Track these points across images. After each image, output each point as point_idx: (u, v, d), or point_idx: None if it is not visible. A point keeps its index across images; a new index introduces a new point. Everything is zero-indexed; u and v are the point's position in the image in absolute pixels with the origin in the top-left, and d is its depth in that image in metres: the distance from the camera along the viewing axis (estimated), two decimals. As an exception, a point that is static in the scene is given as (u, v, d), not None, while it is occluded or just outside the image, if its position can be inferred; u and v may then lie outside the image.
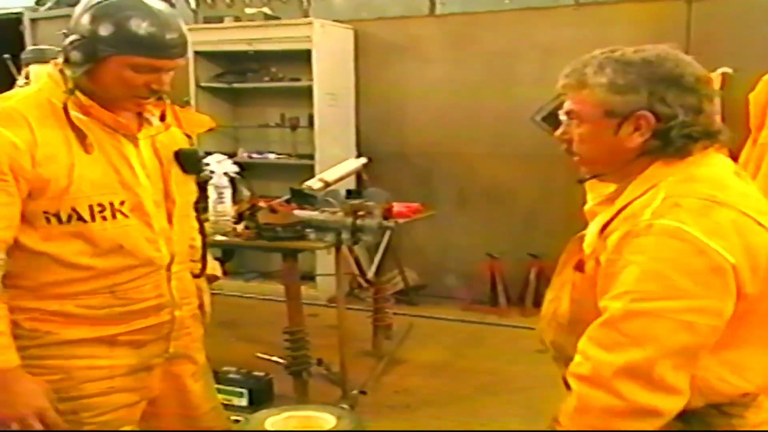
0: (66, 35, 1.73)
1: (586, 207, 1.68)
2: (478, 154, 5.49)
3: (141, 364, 1.85)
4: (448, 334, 4.87)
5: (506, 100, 5.35)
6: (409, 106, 5.68)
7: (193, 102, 5.75)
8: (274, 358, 3.93)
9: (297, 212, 3.68)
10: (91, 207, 1.70)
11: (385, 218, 3.77)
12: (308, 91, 5.47)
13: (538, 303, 5.25)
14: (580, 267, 1.52)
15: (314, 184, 4.00)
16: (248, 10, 5.87)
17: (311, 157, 5.48)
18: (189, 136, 1.97)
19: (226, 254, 4.12)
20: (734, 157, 5.29)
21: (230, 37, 5.67)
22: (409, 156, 5.68)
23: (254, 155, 5.87)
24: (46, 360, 1.73)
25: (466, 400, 3.86)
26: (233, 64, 5.92)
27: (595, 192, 1.65)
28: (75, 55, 1.69)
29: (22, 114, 1.67)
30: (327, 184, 4.01)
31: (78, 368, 1.75)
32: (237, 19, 5.83)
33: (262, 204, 3.73)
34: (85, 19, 1.69)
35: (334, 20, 5.67)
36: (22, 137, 1.64)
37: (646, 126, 1.44)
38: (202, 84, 5.81)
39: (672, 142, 1.44)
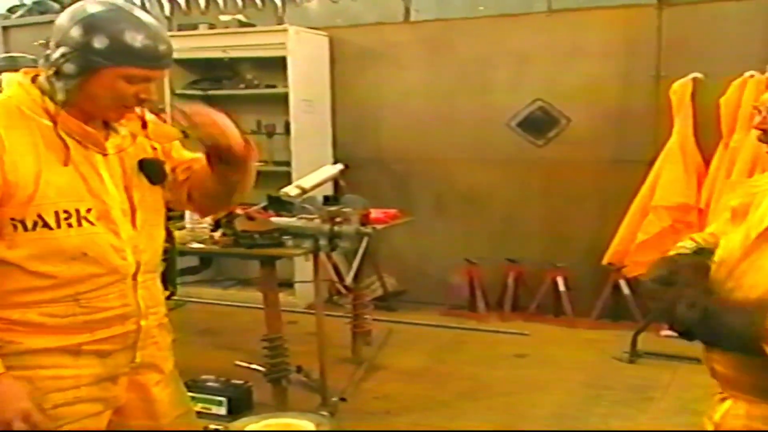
0: (48, 46, 1.72)
1: (734, 203, 1.68)
2: (455, 159, 5.52)
3: (107, 374, 1.83)
4: (428, 340, 4.88)
5: (482, 105, 5.40)
6: (385, 112, 5.70)
7: (168, 110, 5.72)
8: (253, 366, 3.91)
9: (274, 219, 3.67)
10: (57, 213, 1.69)
11: (363, 224, 3.77)
12: (284, 98, 5.47)
13: (516, 308, 5.34)
14: None
15: (291, 191, 3.99)
16: (222, 17, 5.86)
17: (288, 163, 5.48)
18: (154, 148, 1.93)
19: (204, 262, 4.10)
20: (707, 161, 5.40)
21: (205, 45, 5.65)
22: (385, 162, 5.69)
23: (230, 162, 5.84)
24: (11, 370, 1.71)
25: (446, 405, 3.87)
26: (208, 71, 5.91)
27: (738, 191, 1.70)
28: (68, 68, 1.68)
29: None
30: (304, 191, 4.01)
31: (43, 378, 1.73)
32: (211, 26, 5.82)
33: (239, 211, 3.71)
34: (76, 32, 1.68)
35: (309, 27, 5.67)
36: None
37: None
38: (177, 91, 5.78)
39: None
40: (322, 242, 3.57)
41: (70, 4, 1.75)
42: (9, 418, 1.64)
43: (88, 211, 1.73)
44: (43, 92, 1.72)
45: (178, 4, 6.13)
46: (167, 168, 1.93)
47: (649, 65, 4.94)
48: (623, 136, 5.06)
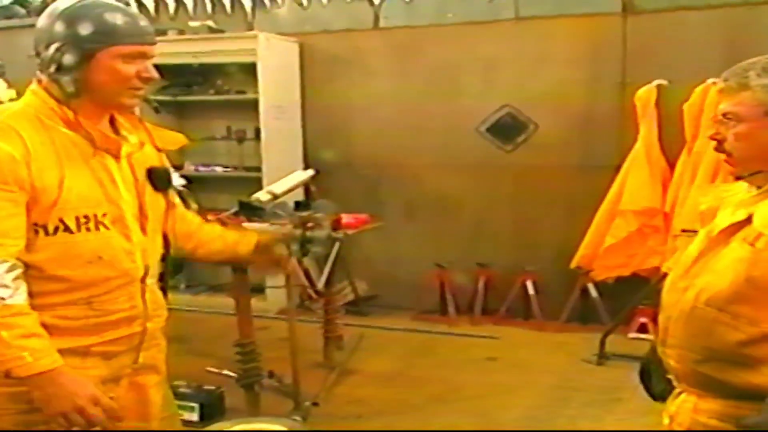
0: (38, 54, 1.78)
1: (702, 207, 1.76)
2: (425, 165, 5.56)
3: (111, 375, 1.88)
4: (399, 344, 4.91)
5: (451, 111, 5.45)
6: (355, 118, 5.72)
7: (138, 114, 5.69)
8: (225, 372, 3.90)
9: (246, 224, 3.67)
10: (77, 218, 1.75)
11: (335, 229, 3.79)
12: (254, 104, 5.47)
13: (486, 311, 5.38)
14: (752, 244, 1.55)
15: (262, 196, 4.00)
16: (192, 23, 5.84)
17: (258, 169, 5.48)
18: (160, 150, 2.00)
19: (175, 268, 4.07)
20: (672, 165, 5.50)
21: (174, 50, 5.61)
22: (356, 167, 5.71)
23: (201, 168, 5.84)
24: None
25: (418, 409, 3.90)
26: (178, 77, 5.88)
27: (710, 195, 1.75)
28: (67, 59, 1.74)
29: (14, 128, 1.72)
30: (275, 197, 4.01)
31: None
32: (181, 32, 5.80)
33: (210, 217, 3.70)
34: (60, 27, 1.75)
35: (279, 33, 5.68)
36: (18, 150, 1.69)
37: None
38: (147, 97, 5.73)
39: None
40: (294, 247, 3.57)
41: (39, 8, 1.80)
42: (81, 404, 1.69)
43: (104, 215, 1.79)
44: (57, 100, 1.77)
45: (147, 10, 6.09)
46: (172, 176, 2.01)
47: (614, 72, 5.02)
48: (590, 141, 5.14)
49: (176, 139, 2.09)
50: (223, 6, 5.93)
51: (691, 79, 4.56)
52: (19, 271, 1.69)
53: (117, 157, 1.85)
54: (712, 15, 4.79)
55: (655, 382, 1.83)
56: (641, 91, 4.79)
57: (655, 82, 4.76)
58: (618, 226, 4.78)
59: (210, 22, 5.76)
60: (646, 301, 4.55)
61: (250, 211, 3.88)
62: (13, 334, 1.65)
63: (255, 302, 3.96)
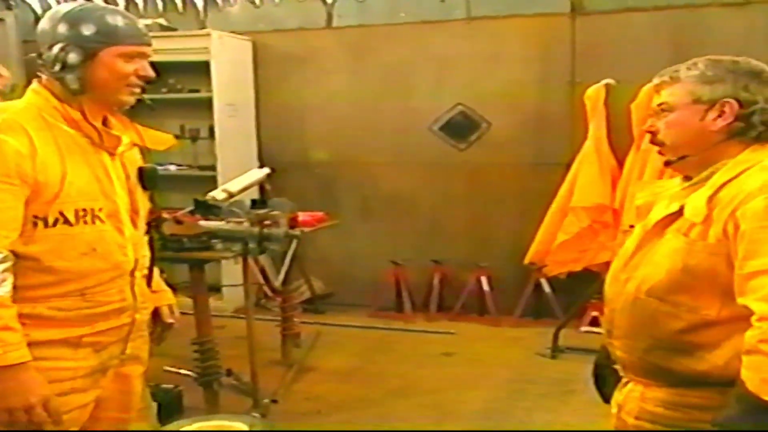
0: (40, 56, 1.87)
1: (638, 202, 1.84)
2: (379, 163, 5.59)
3: (100, 366, 1.94)
4: (356, 341, 4.93)
5: (404, 110, 5.50)
6: (309, 116, 5.73)
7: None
8: (183, 371, 3.88)
9: (203, 223, 3.66)
10: (76, 211, 1.83)
11: (291, 227, 3.80)
12: (208, 103, 5.44)
13: (442, 308, 5.44)
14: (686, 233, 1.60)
15: (218, 194, 3.97)
16: (143, 21, 5.75)
17: (213, 168, 5.45)
18: (143, 152, 2.10)
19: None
20: (620, 162, 5.60)
21: (125, 48, 5.56)
22: (311, 166, 5.72)
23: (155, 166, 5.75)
24: None
25: (376, 404, 3.93)
26: (129, 75, 5.79)
27: (646, 191, 1.84)
28: (72, 57, 1.83)
29: (20, 124, 1.80)
30: (231, 195, 3.99)
31: (44, 369, 1.80)
32: (132, 29, 5.71)
33: (166, 215, 3.68)
34: (63, 28, 1.85)
35: (232, 32, 5.65)
36: (23, 145, 1.77)
37: (729, 111, 1.61)
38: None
39: (754, 126, 1.61)
40: (252, 245, 3.58)
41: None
42: (33, 403, 1.74)
43: (100, 209, 1.88)
44: (60, 99, 1.86)
45: (96, 7, 6.00)
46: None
47: (564, 71, 5.12)
48: (541, 139, 5.24)
49: (165, 140, 2.19)
50: (175, 4, 5.89)
51: (638, 79, 4.63)
52: (9, 263, 1.74)
53: (113, 154, 1.93)
54: (658, 16, 4.93)
55: (609, 385, 1.88)
56: (590, 90, 4.88)
57: (604, 82, 4.86)
58: (570, 223, 4.87)
59: (161, 20, 5.69)
60: (598, 295, 4.63)
61: (206, 209, 3.86)
62: None
63: (212, 301, 3.95)
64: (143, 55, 1.91)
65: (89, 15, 1.86)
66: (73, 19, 1.85)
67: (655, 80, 1.72)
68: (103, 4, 1.98)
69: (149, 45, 1.93)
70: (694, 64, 1.66)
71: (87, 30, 1.84)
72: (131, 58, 1.88)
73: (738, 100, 1.60)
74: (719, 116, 1.62)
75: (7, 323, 1.71)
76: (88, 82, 1.85)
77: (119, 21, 1.86)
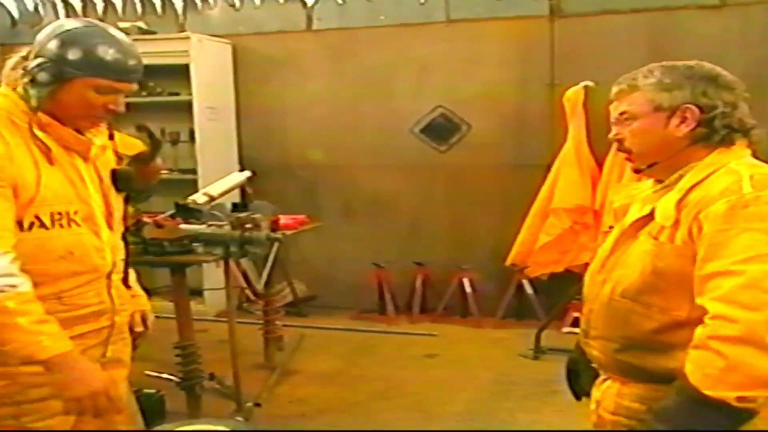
0: (27, 58, 1.86)
1: (615, 204, 1.87)
2: (361, 165, 5.60)
3: None
4: (339, 344, 4.93)
5: (385, 112, 5.51)
6: (290, 119, 5.72)
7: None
8: (165, 376, 3.85)
9: (184, 226, 3.64)
10: (52, 215, 1.83)
11: (273, 230, 3.80)
12: (188, 106, 5.42)
13: (424, 310, 5.45)
14: (656, 237, 1.63)
15: (199, 198, 3.96)
16: (122, 24, 5.70)
17: (194, 171, 5.43)
18: (120, 158, 2.09)
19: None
20: (600, 164, 5.65)
21: (104, 52, 5.52)
22: (292, 169, 5.72)
23: (133, 171, 5.72)
24: None
25: (359, 406, 3.93)
26: (108, 78, 5.75)
27: (622, 194, 1.87)
28: (42, 76, 1.81)
29: None
30: (212, 198, 3.98)
31: (23, 374, 1.80)
32: (110, 33, 5.67)
33: (146, 219, 3.66)
34: (53, 45, 1.83)
35: (211, 35, 5.63)
36: (1, 148, 1.77)
37: (691, 117, 1.64)
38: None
39: (716, 130, 1.64)
40: (234, 249, 3.56)
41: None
42: (94, 389, 1.75)
43: (75, 213, 1.87)
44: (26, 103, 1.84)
45: (74, 9, 5.96)
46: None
47: (543, 73, 5.15)
48: (521, 141, 5.27)
49: (134, 145, 2.17)
50: (154, 7, 5.85)
51: (617, 80, 4.71)
52: (19, 262, 1.73)
53: (86, 158, 1.93)
54: (636, 19, 4.97)
55: (583, 381, 1.91)
56: (569, 92, 4.92)
57: (583, 83, 4.90)
58: (551, 224, 4.90)
59: (140, 23, 5.66)
60: (579, 296, 4.65)
61: (187, 213, 3.85)
62: (29, 320, 1.70)
63: (193, 305, 3.92)
64: (117, 91, 1.88)
65: (83, 40, 1.83)
66: (65, 40, 1.83)
67: (614, 89, 1.75)
68: (111, 32, 1.88)
69: (131, 83, 1.90)
70: (649, 71, 1.70)
71: (72, 55, 1.81)
72: (106, 92, 1.85)
73: (698, 106, 1.64)
74: (682, 122, 1.65)
75: (43, 316, 1.73)
76: (50, 102, 1.83)
77: (110, 54, 1.83)
